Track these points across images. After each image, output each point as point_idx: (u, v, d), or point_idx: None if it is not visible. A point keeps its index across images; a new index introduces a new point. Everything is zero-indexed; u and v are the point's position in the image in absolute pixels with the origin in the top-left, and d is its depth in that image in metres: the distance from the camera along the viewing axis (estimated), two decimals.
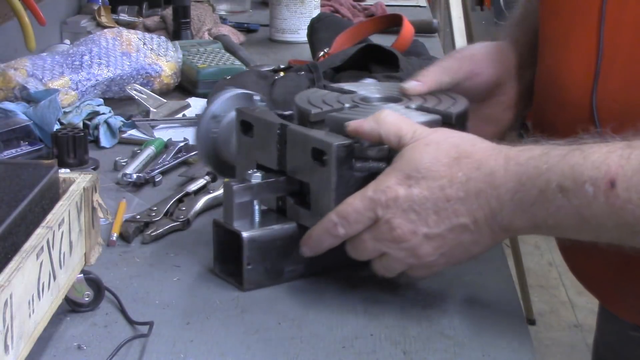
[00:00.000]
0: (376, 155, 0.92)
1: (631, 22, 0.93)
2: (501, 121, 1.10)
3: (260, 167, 1.00)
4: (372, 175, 0.90)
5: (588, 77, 0.96)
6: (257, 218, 0.97)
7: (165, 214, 1.12)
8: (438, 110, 0.97)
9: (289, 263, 0.97)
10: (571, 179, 0.82)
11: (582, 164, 0.82)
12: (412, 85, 1.02)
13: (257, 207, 0.97)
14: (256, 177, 0.97)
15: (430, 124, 0.93)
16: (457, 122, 0.96)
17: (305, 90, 1.08)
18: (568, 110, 0.98)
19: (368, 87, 1.07)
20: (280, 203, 1.00)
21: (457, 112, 0.96)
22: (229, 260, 0.98)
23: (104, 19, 2.08)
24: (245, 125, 1.01)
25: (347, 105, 1.00)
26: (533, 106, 1.08)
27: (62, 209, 0.82)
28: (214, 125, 1.06)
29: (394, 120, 0.91)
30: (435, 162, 0.87)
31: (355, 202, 0.89)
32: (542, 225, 0.85)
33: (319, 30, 1.86)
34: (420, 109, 0.98)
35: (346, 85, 1.07)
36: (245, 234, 0.95)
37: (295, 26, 2.10)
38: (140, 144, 1.37)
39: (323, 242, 0.92)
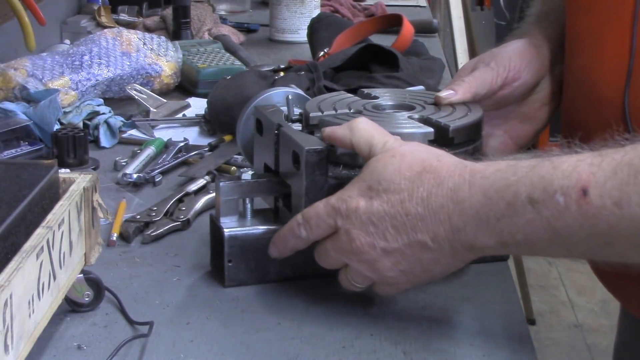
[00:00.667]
0: (350, 163, 0.91)
1: None
2: (537, 119, 1.09)
3: (267, 167, 1.00)
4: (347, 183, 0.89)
5: (620, 76, 0.94)
6: (248, 216, 0.97)
7: (165, 214, 1.12)
8: (438, 123, 0.95)
9: (275, 264, 0.96)
10: (541, 190, 0.78)
11: (552, 174, 0.79)
12: (445, 95, 1.01)
13: (249, 206, 0.98)
14: (246, 175, 0.97)
15: (416, 136, 0.92)
16: (455, 135, 0.94)
17: (326, 94, 1.07)
18: (600, 110, 0.97)
19: (397, 94, 1.06)
20: (277, 204, 1.00)
21: (457, 126, 0.95)
22: (218, 255, 0.98)
23: (104, 19, 2.08)
24: (259, 124, 1.02)
25: (352, 111, 0.99)
26: (562, 105, 1.07)
27: (62, 209, 0.82)
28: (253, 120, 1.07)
29: (367, 128, 0.89)
30: (397, 175, 0.85)
31: (319, 207, 0.88)
32: (510, 242, 0.81)
33: (319, 30, 1.86)
34: (422, 120, 0.97)
35: (375, 91, 1.06)
36: (226, 231, 0.95)
37: (295, 26, 2.10)
38: (140, 144, 1.37)
39: (288, 242, 0.92)
